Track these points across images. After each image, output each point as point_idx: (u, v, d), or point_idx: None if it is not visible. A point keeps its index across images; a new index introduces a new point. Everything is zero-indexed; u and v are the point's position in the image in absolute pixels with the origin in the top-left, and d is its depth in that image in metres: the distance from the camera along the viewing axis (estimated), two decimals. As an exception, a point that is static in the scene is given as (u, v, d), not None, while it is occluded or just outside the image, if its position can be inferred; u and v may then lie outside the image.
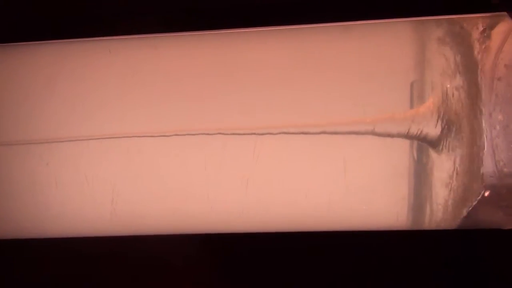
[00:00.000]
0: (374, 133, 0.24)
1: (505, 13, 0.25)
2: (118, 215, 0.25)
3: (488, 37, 0.24)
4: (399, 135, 0.24)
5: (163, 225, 0.26)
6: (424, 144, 0.24)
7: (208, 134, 0.24)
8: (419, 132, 0.24)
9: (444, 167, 0.24)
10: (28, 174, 0.25)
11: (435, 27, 0.25)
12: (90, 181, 0.25)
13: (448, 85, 0.24)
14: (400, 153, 0.24)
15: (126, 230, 0.26)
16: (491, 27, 0.25)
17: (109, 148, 0.25)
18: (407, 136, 0.24)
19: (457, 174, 0.24)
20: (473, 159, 0.24)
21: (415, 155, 0.24)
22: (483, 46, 0.24)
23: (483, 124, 0.24)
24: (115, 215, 0.25)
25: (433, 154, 0.24)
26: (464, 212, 0.25)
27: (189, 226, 0.25)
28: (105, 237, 0.26)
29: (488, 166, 0.24)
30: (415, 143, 0.24)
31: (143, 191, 0.25)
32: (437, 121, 0.24)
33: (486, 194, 0.24)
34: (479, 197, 0.24)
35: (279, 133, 0.24)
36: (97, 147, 0.25)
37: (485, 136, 0.24)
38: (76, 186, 0.25)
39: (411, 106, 0.24)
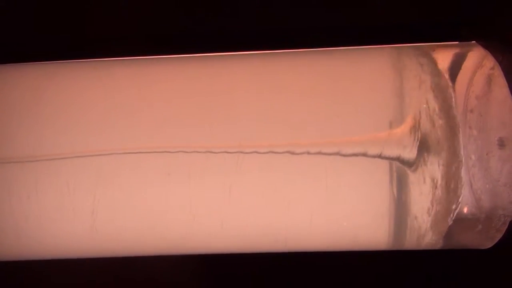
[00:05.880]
0: (355, 154, 0.25)
1: (474, 42, 0.27)
2: (99, 230, 0.25)
3: (459, 68, 0.26)
4: (379, 156, 0.25)
5: (144, 241, 0.25)
6: (404, 167, 0.25)
7: (197, 152, 0.25)
8: (398, 155, 0.25)
9: (424, 190, 0.25)
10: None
11: (408, 55, 0.26)
12: (72, 191, 0.24)
13: (425, 112, 0.25)
14: (380, 174, 0.25)
15: (106, 247, 0.25)
16: (462, 58, 0.26)
17: (89, 164, 0.25)
18: (387, 158, 0.25)
19: (436, 197, 0.25)
20: (451, 185, 0.24)
21: (395, 178, 0.24)
22: (456, 79, 0.25)
23: (460, 154, 0.24)
24: (95, 229, 0.24)
25: (412, 176, 0.25)
26: (443, 233, 0.25)
27: (171, 241, 0.25)
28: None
29: (466, 194, 0.24)
30: (395, 165, 0.25)
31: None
32: (415, 147, 0.24)
33: (463, 218, 0.25)
34: (453, 222, 0.25)
35: (266, 152, 0.25)
36: (79, 164, 0.25)
37: (462, 165, 0.24)
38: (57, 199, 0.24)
39: (390, 128, 0.25)
